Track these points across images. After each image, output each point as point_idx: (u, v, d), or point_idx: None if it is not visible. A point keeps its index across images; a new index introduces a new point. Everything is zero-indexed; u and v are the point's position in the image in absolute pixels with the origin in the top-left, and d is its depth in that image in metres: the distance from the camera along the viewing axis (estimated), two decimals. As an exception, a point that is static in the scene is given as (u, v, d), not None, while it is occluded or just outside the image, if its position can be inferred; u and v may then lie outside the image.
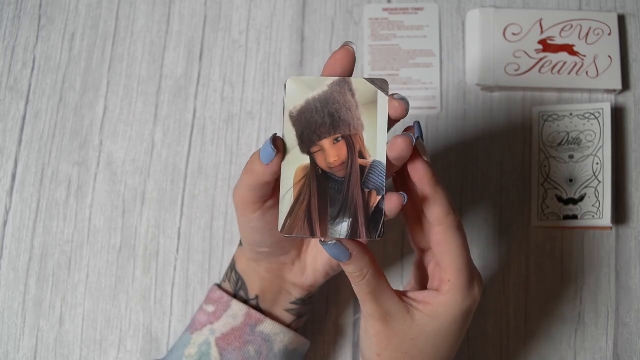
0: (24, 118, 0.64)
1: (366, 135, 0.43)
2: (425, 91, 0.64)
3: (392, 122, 0.44)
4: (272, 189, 0.46)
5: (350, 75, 0.44)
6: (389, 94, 0.43)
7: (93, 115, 0.64)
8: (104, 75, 0.65)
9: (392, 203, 0.42)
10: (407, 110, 0.43)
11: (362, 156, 0.43)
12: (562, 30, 0.63)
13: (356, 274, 0.44)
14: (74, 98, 0.65)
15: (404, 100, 0.43)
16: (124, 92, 0.65)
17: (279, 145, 0.43)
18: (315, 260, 0.53)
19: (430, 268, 0.48)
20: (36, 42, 0.66)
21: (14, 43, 0.66)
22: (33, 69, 0.65)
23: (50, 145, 0.64)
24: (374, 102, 0.43)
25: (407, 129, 0.46)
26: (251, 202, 0.46)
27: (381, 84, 0.43)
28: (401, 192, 0.42)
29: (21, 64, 0.65)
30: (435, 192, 0.44)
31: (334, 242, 0.42)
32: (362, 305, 0.46)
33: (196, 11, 0.66)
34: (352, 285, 0.45)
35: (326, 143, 0.43)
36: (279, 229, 0.43)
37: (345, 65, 0.43)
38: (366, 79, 0.43)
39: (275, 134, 0.43)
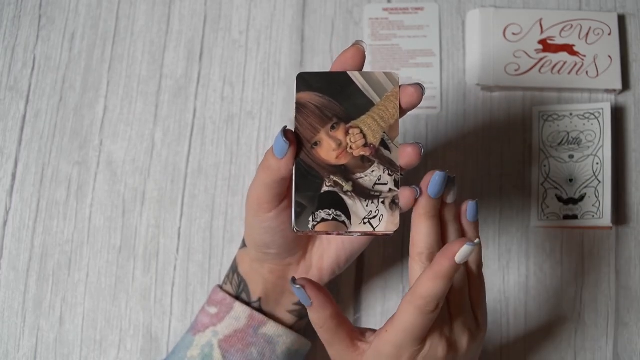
0: (24, 118, 0.64)
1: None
2: (425, 91, 0.64)
3: (405, 111, 0.44)
4: (287, 188, 0.46)
5: None
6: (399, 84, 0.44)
7: (93, 115, 0.64)
8: (104, 75, 0.65)
9: (406, 197, 0.43)
10: (422, 96, 0.43)
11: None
12: (562, 30, 0.63)
13: (315, 321, 0.45)
14: (74, 98, 0.65)
15: (419, 85, 0.43)
16: (124, 92, 0.65)
17: (290, 137, 0.43)
18: (322, 258, 0.53)
19: None
20: (36, 42, 0.66)
21: (14, 43, 0.66)
22: (33, 68, 0.65)
23: (50, 145, 0.64)
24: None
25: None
26: (267, 201, 0.46)
27: (392, 76, 0.44)
28: (414, 186, 0.43)
29: (21, 64, 0.65)
30: (479, 281, 0.47)
31: (298, 286, 0.43)
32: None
33: (196, 11, 0.66)
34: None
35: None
36: (292, 227, 0.43)
37: (356, 64, 0.44)
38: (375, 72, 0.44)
39: (286, 126, 0.43)
